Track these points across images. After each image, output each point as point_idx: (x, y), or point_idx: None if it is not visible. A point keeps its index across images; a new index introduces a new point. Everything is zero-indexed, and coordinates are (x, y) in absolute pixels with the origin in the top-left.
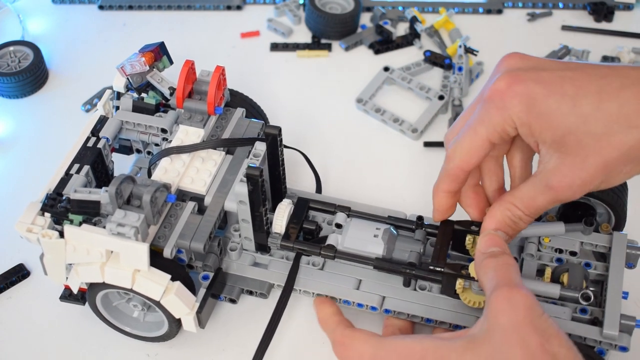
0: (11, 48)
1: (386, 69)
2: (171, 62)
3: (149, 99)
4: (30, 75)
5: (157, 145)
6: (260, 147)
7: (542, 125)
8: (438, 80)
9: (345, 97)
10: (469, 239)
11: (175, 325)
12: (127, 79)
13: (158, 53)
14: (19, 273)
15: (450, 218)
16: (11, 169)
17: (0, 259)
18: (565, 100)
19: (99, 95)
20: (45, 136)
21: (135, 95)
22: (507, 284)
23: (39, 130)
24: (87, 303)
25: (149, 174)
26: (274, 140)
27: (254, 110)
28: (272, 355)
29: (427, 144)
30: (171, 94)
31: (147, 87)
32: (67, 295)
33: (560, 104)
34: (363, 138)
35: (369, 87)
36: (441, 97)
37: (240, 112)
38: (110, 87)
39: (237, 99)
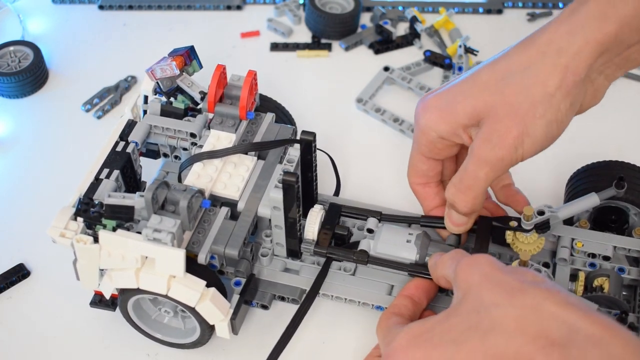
0: (11, 48)
1: (386, 68)
2: (201, 66)
3: (178, 103)
4: (30, 75)
5: (185, 149)
6: (294, 153)
7: (456, 111)
8: (438, 80)
9: (345, 97)
10: (508, 234)
11: (208, 331)
12: (157, 82)
13: (188, 57)
14: (19, 273)
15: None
16: (11, 169)
17: (0, 259)
18: (468, 81)
19: (99, 95)
20: (45, 136)
21: (164, 99)
22: (466, 256)
23: (39, 130)
24: (118, 309)
25: (179, 179)
26: (308, 145)
27: (283, 116)
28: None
29: None
30: (202, 98)
31: (176, 91)
32: (98, 301)
33: (464, 87)
34: (363, 138)
35: (369, 87)
36: None
37: (270, 117)
38: (110, 87)
39: (267, 104)
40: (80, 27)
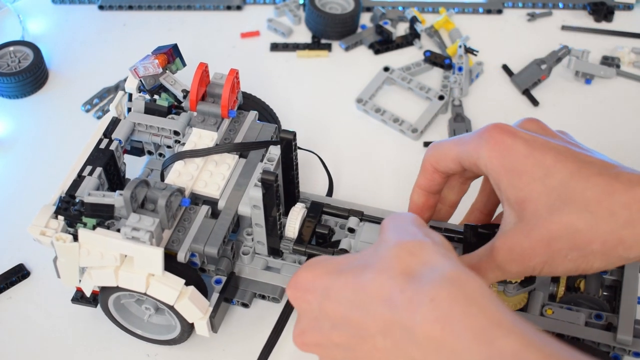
0: (11, 48)
1: (386, 69)
2: (184, 64)
3: (162, 101)
4: (30, 75)
5: (169, 147)
6: (275, 152)
7: (509, 180)
8: (438, 80)
9: (345, 97)
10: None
11: (188, 329)
12: (140, 80)
13: (171, 55)
14: (19, 273)
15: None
16: (11, 169)
17: (0, 259)
18: (540, 166)
19: (99, 96)
20: (45, 136)
21: (148, 97)
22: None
23: (39, 130)
24: (99, 305)
25: (162, 177)
26: (288, 144)
27: (266, 113)
28: (276, 357)
29: (427, 144)
30: (184, 97)
31: (160, 89)
32: (79, 298)
33: (535, 168)
34: (363, 138)
35: (369, 87)
36: (441, 97)
37: (253, 115)
38: (110, 88)
39: (251, 102)
40: (80, 27)
